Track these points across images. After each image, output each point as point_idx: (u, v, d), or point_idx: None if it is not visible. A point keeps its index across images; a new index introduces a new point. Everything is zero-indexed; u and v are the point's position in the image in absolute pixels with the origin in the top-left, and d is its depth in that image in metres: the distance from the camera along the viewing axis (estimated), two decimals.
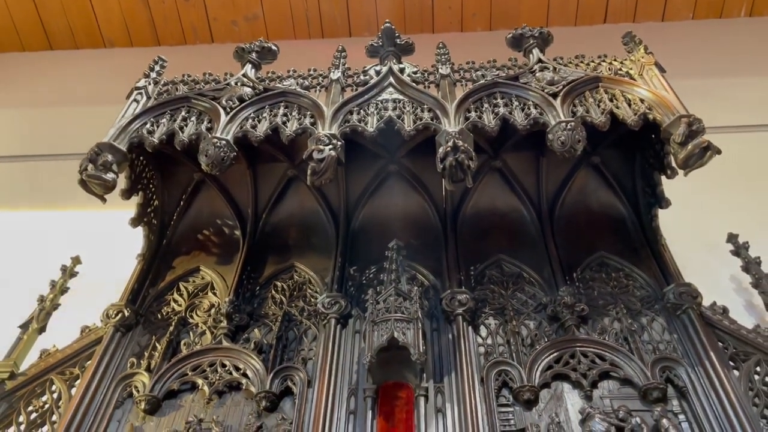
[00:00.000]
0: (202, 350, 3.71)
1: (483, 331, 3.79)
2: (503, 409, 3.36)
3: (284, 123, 3.88)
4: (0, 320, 4.20)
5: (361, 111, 3.92)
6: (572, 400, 3.39)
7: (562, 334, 3.69)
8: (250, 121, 3.92)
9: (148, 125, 3.98)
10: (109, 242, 5.06)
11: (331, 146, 3.57)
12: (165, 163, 4.53)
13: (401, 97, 3.99)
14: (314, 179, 3.52)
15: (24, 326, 3.97)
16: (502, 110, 3.77)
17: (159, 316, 4.06)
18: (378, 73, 4.24)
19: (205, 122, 3.94)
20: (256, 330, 3.91)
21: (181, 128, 3.92)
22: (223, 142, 3.66)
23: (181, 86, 4.37)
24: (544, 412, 3.35)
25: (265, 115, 3.97)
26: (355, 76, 4.33)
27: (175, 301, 4.16)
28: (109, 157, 3.69)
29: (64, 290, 4.26)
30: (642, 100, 3.72)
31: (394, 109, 3.89)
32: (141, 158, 4.32)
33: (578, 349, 3.56)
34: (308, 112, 3.95)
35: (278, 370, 3.55)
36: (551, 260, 4.13)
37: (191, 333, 3.94)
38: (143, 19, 8.25)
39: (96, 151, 3.73)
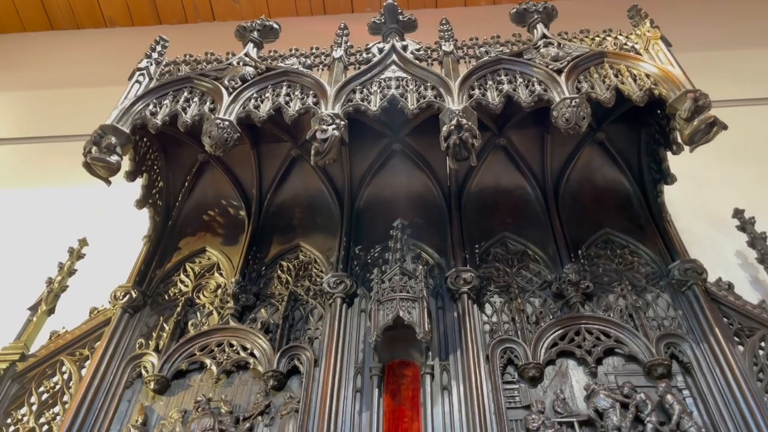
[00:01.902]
0: (210, 330, 3.75)
1: (488, 309, 3.81)
2: (508, 386, 3.39)
3: (287, 103, 3.86)
4: (9, 302, 4.25)
5: (364, 90, 3.89)
6: (577, 376, 3.41)
7: (567, 312, 3.70)
8: (252, 101, 3.90)
9: (151, 106, 3.97)
10: (116, 224, 5.08)
11: (334, 126, 3.56)
12: (169, 145, 4.52)
13: (404, 75, 3.96)
14: (318, 159, 3.51)
15: (33, 308, 4.01)
16: (506, 87, 3.75)
17: (166, 297, 4.09)
18: (381, 50, 4.21)
19: (208, 103, 3.92)
20: (262, 310, 3.94)
21: (184, 109, 3.90)
22: (227, 122, 3.65)
23: (183, 66, 4.35)
24: (549, 388, 3.38)
25: (267, 95, 3.95)
26: (358, 54, 4.29)
27: (182, 282, 4.19)
28: (113, 140, 3.68)
29: (71, 272, 4.29)
30: (647, 75, 3.68)
31: (397, 87, 3.87)
32: (145, 140, 4.32)
33: (583, 326, 3.57)
34: (311, 92, 3.93)
35: (285, 349, 3.58)
36: (556, 237, 4.13)
37: (198, 313, 3.97)
38: None
39: (99, 133, 3.73)
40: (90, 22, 8.33)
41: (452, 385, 3.39)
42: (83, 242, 4.50)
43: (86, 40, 8.11)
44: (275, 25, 4.70)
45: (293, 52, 4.41)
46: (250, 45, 4.44)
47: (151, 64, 4.35)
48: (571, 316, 3.62)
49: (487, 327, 3.70)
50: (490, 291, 3.91)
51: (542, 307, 3.79)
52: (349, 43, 4.40)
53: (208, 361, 3.60)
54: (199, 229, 4.54)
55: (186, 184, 4.62)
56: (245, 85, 4.00)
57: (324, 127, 3.55)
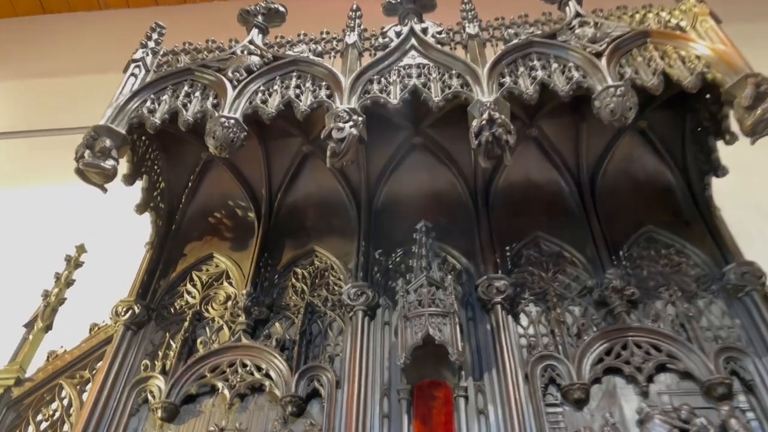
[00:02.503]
0: (221, 349, 3.43)
1: (524, 320, 3.48)
2: (551, 410, 3.07)
3: (297, 96, 3.51)
4: (2, 317, 3.94)
5: (382, 79, 3.53)
6: (627, 397, 3.09)
7: (611, 322, 3.37)
8: (260, 95, 3.55)
9: (148, 103, 3.62)
10: (116, 225, 4.75)
11: (351, 123, 3.20)
12: (170, 142, 4.16)
13: (425, 61, 3.60)
14: (334, 161, 3.16)
15: (29, 325, 3.72)
16: (540, 74, 3.38)
17: (172, 311, 3.78)
18: (398, 34, 3.83)
19: (211, 98, 3.57)
20: (277, 324, 3.62)
21: (185, 105, 3.56)
22: (232, 121, 3.30)
23: (182, 56, 3.98)
24: (596, 411, 3.06)
25: (276, 87, 3.60)
26: (373, 38, 3.92)
27: (189, 293, 3.87)
28: (107, 142, 3.34)
29: (69, 283, 3.98)
30: (698, 57, 3.29)
31: (419, 76, 3.51)
32: (143, 138, 3.96)
33: (630, 338, 3.24)
34: (323, 83, 3.57)
35: (303, 370, 3.27)
36: (594, 237, 3.78)
37: (207, 329, 3.66)
38: None
39: (92, 135, 3.38)
40: (83, 4, 7.92)
41: (489, 410, 3.08)
42: (81, 249, 4.18)
43: (80, 23, 7.71)
44: (281, 8, 4.30)
45: (302, 37, 4.04)
46: (255, 31, 4.06)
47: (147, 54, 4.00)
48: (617, 327, 3.29)
49: (523, 341, 3.37)
50: (524, 299, 3.57)
51: (583, 317, 3.45)
52: (362, 26, 4.02)
53: (220, 384, 3.29)
54: (205, 233, 4.20)
55: (189, 184, 4.27)
56: (251, 76, 3.65)
57: (340, 125, 3.19)
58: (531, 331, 3.42)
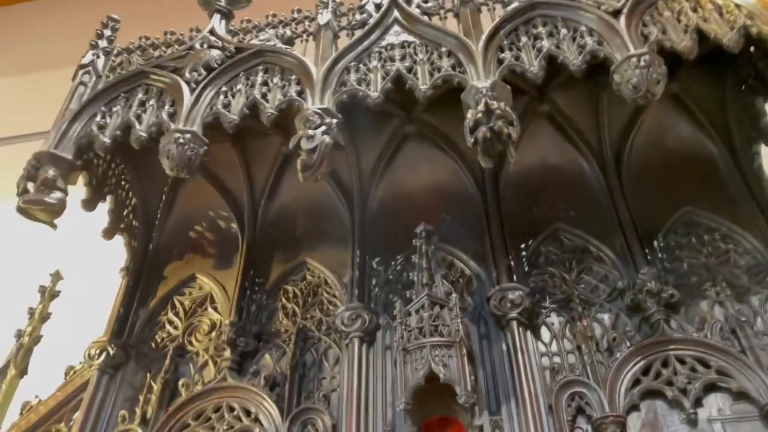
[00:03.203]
0: (204, 391, 3.04)
1: (545, 335, 3.01)
2: None
3: (264, 96, 3.03)
4: None
5: (361, 66, 3.02)
6: (671, 427, 2.62)
7: (648, 332, 2.87)
8: (221, 97, 3.09)
9: (98, 118, 3.18)
10: (95, 247, 4.33)
11: (324, 128, 2.71)
12: (135, 153, 3.69)
13: (411, 38, 3.07)
14: (307, 175, 2.69)
15: (1, 372, 3.39)
16: (545, 44, 2.83)
17: (153, 346, 3.41)
18: (378, 7, 3.29)
19: (167, 106, 3.12)
20: (267, 355, 3.22)
21: (138, 117, 3.11)
22: (188, 135, 2.86)
23: (136, 55, 3.50)
24: None
25: (240, 86, 3.12)
26: (351, 14, 3.37)
27: (170, 323, 3.49)
28: (51, 172, 2.93)
29: (45, 318, 3.64)
30: (738, 7, 2.68)
31: (403, 58, 2.99)
32: (101, 155, 3.50)
33: (672, 353, 2.75)
34: (293, 77, 3.08)
35: (296, 414, 2.87)
36: (623, 225, 3.24)
37: (191, 365, 3.28)
38: None
39: (34, 165, 2.97)
40: None
41: None
42: (57, 276, 3.82)
43: (49, 9, 7.19)
44: None
45: (270, 20, 3.51)
46: (217, 18, 3.56)
47: (98, 57, 3.54)
48: (655, 340, 2.79)
49: (546, 361, 2.91)
50: (545, 308, 3.09)
51: (614, 327, 2.96)
52: (339, 0, 3.47)
53: None
54: (186, 249, 3.78)
55: (164, 197, 3.84)
56: (210, 76, 3.17)
57: (310, 132, 2.70)
58: (554, 347, 2.95)
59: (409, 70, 2.92)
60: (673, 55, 2.79)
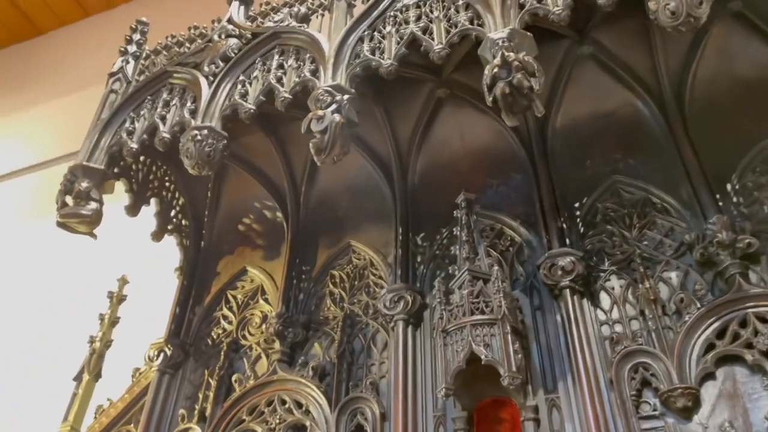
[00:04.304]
0: (256, 386, 3.02)
1: (605, 301, 2.73)
2: (648, 424, 2.35)
3: (279, 80, 2.90)
4: (49, 373, 3.82)
5: (375, 34, 2.83)
6: (753, 395, 2.29)
7: (724, 289, 2.52)
8: (239, 87, 3.01)
9: (127, 124, 3.21)
10: (160, 249, 4.42)
11: (334, 106, 2.56)
12: (176, 153, 3.71)
13: None
14: (321, 158, 2.55)
15: (77, 378, 3.55)
16: None
17: (209, 342, 3.44)
18: None
19: (189, 102, 3.08)
20: (316, 344, 3.16)
21: (163, 118, 3.10)
22: (204, 131, 2.80)
23: (161, 56, 3.48)
24: (711, 419, 2.30)
25: (256, 73, 3.03)
26: None
27: (225, 318, 3.50)
28: (84, 183, 2.97)
29: (114, 322, 3.78)
30: None
31: (418, 18, 2.76)
32: (142, 158, 3.53)
33: (751, 311, 2.39)
34: (308, 55, 2.93)
35: (344, 403, 2.79)
36: (688, 170, 2.86)
37: (245, 360, 3.27)
38: None
39: (69, 178, 3.03)
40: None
41: (567, 429, 2.44)
42: (123, 281, 3.95)
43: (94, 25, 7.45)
44: None
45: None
46: (235, 5, 3.47)
47: (128, 62, 3.56)
48: (730, 298, 2.44)
49: (606, 330, 2.64)
50: (603, 271, 2.80)
51: (683, 286, 2.62)
52: None
53: (259, 429, 2.89)
54: (237, 243, 3.77)
55: (209, 193, 3.84)
56: (227, 66, 3.09)
57: (320, 112, 2.55)
58: (615, 314, 2.67)
59: (425, 30, 2.69)
60: None
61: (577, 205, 3.04)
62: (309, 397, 2.88)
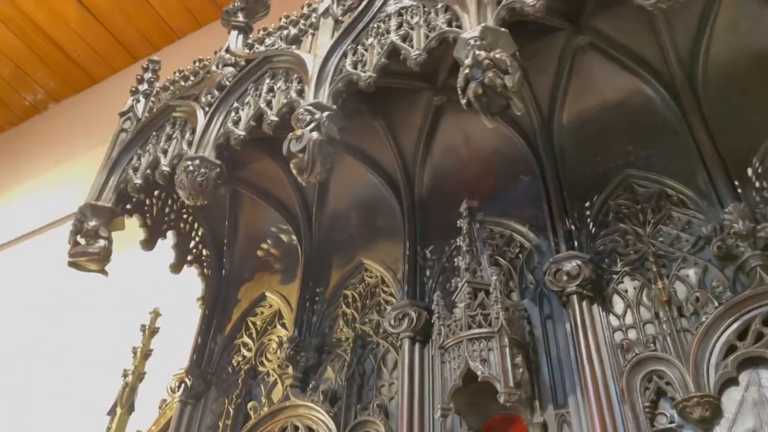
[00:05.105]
0: (270, 413, 2.97)
1: (618, 305, 2.53)
2: None
3: (269, 103, 2.89)
4: (85, 406, 3.94)
5: (358, 48, 2.79)
6: None
7: (746, 284, 2.28)
8: (232, 114, 3.02)
9: (134, 160, 3.28)
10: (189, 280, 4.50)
11: (313, 124, 2.51)
12: None
13: (410, 2, 2.76)
14: (304, 178, 2.51)
15: (111, 412, 3.64)
16: None
17: (230, 370, 3.43)
18: None
19: (188, 134, 3.12)
20: (329, 368, 3.09)
21: (165, 152, 3.15)
22: (197, 161, 2.81)
23: (166, 92, 3.56)
24: (733, 429, 2.06)
25: (248, 99, 3.03)
26: None
27: (245, 345, 3.49)
28: (92, 222, 3.05)
29: (147, 354, 3.85)
30: None
31: (399, 27, 2.70)
32: (156, 192, 3.60)
33: None
34: (295, 75, 2.92)
35: (352, 428, 2.70)
36: (704, 156, 2.63)
37: (263, 386, 3.24)
38: None
39: (79, 218, 3.12)
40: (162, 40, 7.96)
41: None
42: (156, 314, 4.03)
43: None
44: None
45: (283, 23, 3.37)
46: (234, 34, 3.51)
47: (138, 101, 3.64)
48: (750, 294, 2.19)
49: (619, 336, 2.45)
50: (616, 273, 2.60)
51: (701, 284, 2.40)
52: None
53: None
54: (256, 269, 3.77)
55: (227, 222, 3.87)
56: (221, 95, 3.11)
57: (299, 131, 2.52)
58: (629, 319, 2.47)
59: (405, 38, 2.62)
60: None
61: (587, 204, 2.85)
62: (319, 422, 2.82)
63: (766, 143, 2.58)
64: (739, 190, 2.49)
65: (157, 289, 4.39)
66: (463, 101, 2.26)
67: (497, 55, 2.21)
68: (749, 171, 2.55)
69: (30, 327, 5.60)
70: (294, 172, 2.50)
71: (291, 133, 2.53)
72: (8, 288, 6.31)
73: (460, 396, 2.37)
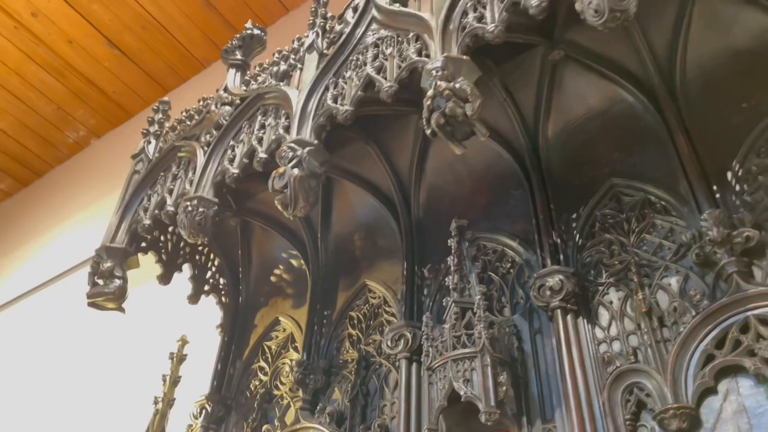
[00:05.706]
0: None
1: (604, 317, 2.55)
2: None
3: (260, 140, 3.03)
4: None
5: (339, 81, 2.88)
6: (759, 408, 2.05)
7: (726, 290, 2.28)
8: (228, 153, 3.17)
9: (144, 201, 3.47)
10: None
11: (295, 161, 2.63)
12: None
13: (386, 33, 2.85)
14: (288, 212, 2.63)
15: None
16: None
17: (248, 395, 3.59)
18: (356, 9, 3.09)
19: (190, 174, 3.28)
20: (336, 389, 3.20)
21: (171, 192, 3.32)
22: (194, 201, 2.97)
23: (173, 132, 3.75)
24: None
25: (242, 137, 3.17)
26: (337, 22, 3.24)
27: (261, 370, 3.64)
28: (108, 263, 3.25)
29: (176, 381, 4.02)
30: None
31: (375, 59, 2.79)
32: (170, 228, 3.79)
33: (751, 313, 2.14)
34: (283, 111, 3.05)
35: None
36: (683, 161, 2.62)
37: (277, 409, 3.38)
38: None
39: (96, 260, 3.32)
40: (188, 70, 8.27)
41: None
42: (184, 341, 4.20)
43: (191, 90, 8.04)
44: (256, 31, 3.84)
45: (276, 58, 3.51)
46: (231, 72, 3.66)
47: (149, 142, 3.84)
48: (727, 302, 2.19)
49: (603, 348, 2.47)
50: (602, 284, 2.62)
51: (682, 293, 2.40)
52: (328, 15, 3.35)
53: None
54: (270, 294, 3.92)
55: (240, 251, 4.03)
56: (219, 134, 3.27)
57: (281, 169, 2.64)
58: (613, 331, 2.49)
59: (380, 70, 2.71)
60: None
61: (574, 216, 2.88)
62: None
63: (747, 143, 2.56)
64: (718, 195, 2.48)
65: (183, 318, 4.58)
66: (428, 131, 2.34)
67: (457, 85, 2.27)
68: (729, 174, 2.53)
69: (65, 363, 5.95)
70: (279, 207, 2.62)
71: (274, 171, 2.65)
72: (53, 322, 6.68)
73: (448, 415, 2.45)
